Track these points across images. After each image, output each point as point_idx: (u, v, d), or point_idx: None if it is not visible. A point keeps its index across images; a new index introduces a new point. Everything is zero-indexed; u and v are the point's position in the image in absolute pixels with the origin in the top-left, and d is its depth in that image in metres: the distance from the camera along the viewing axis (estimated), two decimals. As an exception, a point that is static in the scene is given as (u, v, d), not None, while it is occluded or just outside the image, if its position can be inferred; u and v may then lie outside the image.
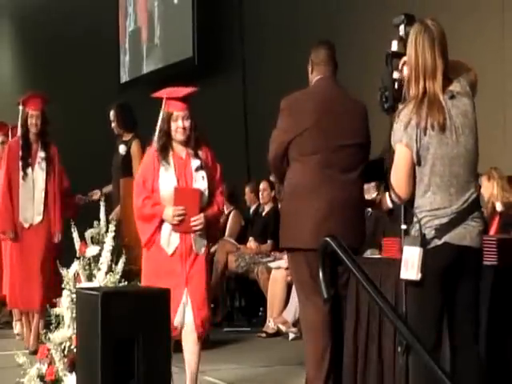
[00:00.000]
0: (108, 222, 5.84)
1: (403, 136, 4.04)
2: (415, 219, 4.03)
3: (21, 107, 7.86)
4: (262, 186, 9.68)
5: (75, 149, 14.74)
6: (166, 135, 5.48)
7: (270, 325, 8.53)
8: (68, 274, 5.49)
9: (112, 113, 8.38)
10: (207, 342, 7.69)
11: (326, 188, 5.28)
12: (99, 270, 5.33)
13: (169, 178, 5.44)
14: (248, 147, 11.94)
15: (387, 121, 4.30)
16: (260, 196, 9.87)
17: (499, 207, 7.33)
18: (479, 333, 4.28)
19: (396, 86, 4.16)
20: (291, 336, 8.26)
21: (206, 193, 5.51)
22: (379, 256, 5.65)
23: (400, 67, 4.18)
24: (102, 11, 15.64)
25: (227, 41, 12.85)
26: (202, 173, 5.49)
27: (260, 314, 9.62)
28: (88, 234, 5.90)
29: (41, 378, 5.12)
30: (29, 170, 7.73)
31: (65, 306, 5.17)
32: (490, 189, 7.36)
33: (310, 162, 5.31)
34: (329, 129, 5.35)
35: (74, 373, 4.88)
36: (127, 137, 8.23)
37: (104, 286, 5.13)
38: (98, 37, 15.44)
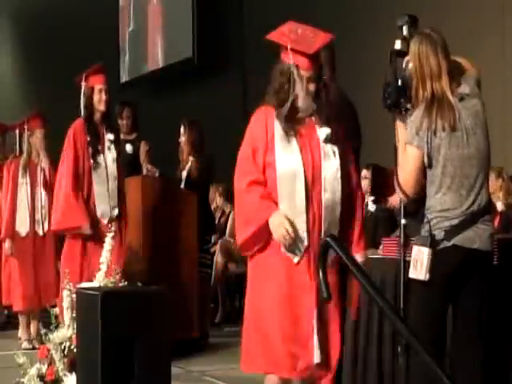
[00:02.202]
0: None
1: (414, 139, 4.06)
2: (425, 219, 4.05)
3: (83, 84, 6.94)
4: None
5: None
6: (288, 95, 4.10)
7: (270, 325, 8.53)
8: (68, 274, 5.49)
9: (127, 109, 8.40)
10: (207, 342, 7.73)
11: None
12: (99, 270, 5.33)
13: (290, 151, 4.09)
14: (248, 147, 11.93)
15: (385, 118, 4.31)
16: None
17: (500, 207, 7.33)
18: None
19: (400, 83, 4.17)
20: (291, 336, 8.25)
21: (338, 175, 4.13)
22: (379, 256, 5.64)
23: (404, 66, 4.19)
24: (102, 11, 15.65)
25: (227, 41, 12.85)
26: (334, 147, 4.15)
27: (260, 314, 9.61)
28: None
29: (41, 377, 5.11)
30: (100, 158, 6.68)
31: (65, 306, 5.17)
32: (495, 187, 7.35)
33: None
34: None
35: (73, 373, 4.88)
36: (131, 136, 8.26)
37: (104, 286, 5.13)
38: (98, 37, 15.44)
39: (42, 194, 8.13)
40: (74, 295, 4.86)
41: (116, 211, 6.64)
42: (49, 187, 8.10)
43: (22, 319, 8.28)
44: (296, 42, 4.07)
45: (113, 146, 6.69)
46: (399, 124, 4.18)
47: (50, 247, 8.15)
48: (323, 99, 4.13)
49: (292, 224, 3.95)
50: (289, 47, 4.07)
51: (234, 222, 10.18)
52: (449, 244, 4.02)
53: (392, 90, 4.17)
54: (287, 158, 4.06)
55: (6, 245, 8.14)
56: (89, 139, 6.62)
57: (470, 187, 4.07)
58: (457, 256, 4.02)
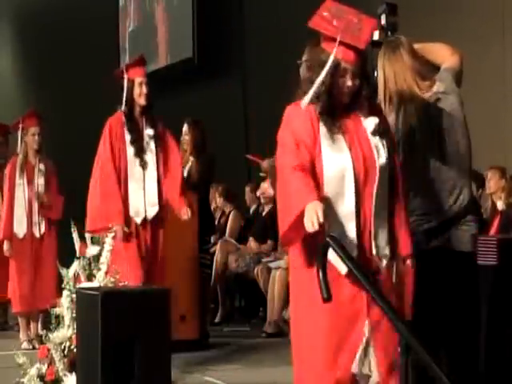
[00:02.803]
0: (108, 221, 5.83)
1: None
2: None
3: (125, 77, 6.52)
4: (263, 185, 9.68)
5: (75, 148, 14.75)
6: (330, 90, 3.65)
7: (270, 325, 8.53)
8: (68, 273, 5.49)
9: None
10: (207, 342, 7.74)
11: None
12: (99, 269, 5.32)
13: (337, 149, 3.61)
14: (248, 147, 11.93)
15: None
16: (260, 196, 9.87)
17: (501, 206, 7.33)
18: (479, 334, 4.28)
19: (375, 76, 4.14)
20: (291, 336, 8.25)
21: (387, 170, 3.67)
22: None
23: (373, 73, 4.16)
24: (102, 11, 15.65)
25: (227, 41, 12.85)
26: (382, 140, 3.68)
27: (260, 313, 9.62)
28: (88, 234, 5.90)
29: (41, 378, 5.11)
30: (140, 154, 6.38)
31: (65, 306, 5.17)
32: (497, 186, 7.35)
33: None
34: None
35: (73, 373, 4.88)
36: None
37: (104, 286, 5.13)
38: (98, 37, 15.45)
39: (39, 194, 8.09)
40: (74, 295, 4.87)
41: (153, 211, 6.38)
42: (49, 188, 8.10)
43: (21, 320, 8.28)
44: (343, 32, 3.58)
45: (152, 142, 6.43)
46: None
47: (48, 249, 8.12)
48: (366, 93, 3.68)
49: (326, 212, 3.38)
50: (338, 39, 3.56)
51: (233, 221, 10.19)
52: (429, 246, 4.00)
53: (370, 83, 4.13)
54: (335, 156, 3.58)
55: (5, 247, 8.11)
56: (130, 136, 6.35)
57: (451, 188, 4.04)
58: (437, 258, 3.99)
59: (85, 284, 5.27)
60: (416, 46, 4.16)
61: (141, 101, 6.42)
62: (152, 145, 6.41)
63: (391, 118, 4.00)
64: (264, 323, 8.71)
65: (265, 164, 5.65)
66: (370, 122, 3.66)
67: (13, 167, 8.12)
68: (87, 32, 15.74)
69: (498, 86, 8.23)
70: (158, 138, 6.46)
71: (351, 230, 3.55)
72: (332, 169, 3.55)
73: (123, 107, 6.43)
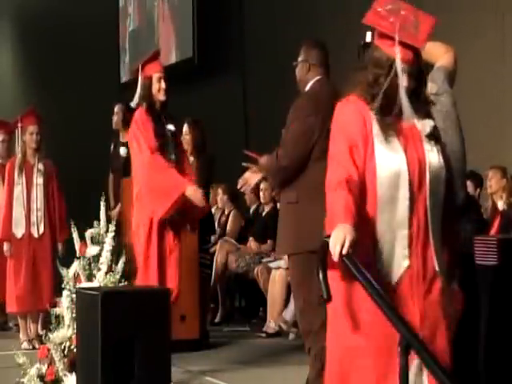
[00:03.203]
0: (108, 221, 5.84)
1: None
2: None
3: (140, 72, 6.48)
4: (263, 185, 9.67)
5: (75, 148, 14.76)
6: (385, 91, 3.44)
7: (270, 325, 8.53)
8: (68, 273, 5.49)
9: (118, 107, 8.40)
10: (207, 342, 7.74)
11: None
12: (99, 269, 5.33)
13: (391, 150, 3.42)
14: (248, 147, 11.92)
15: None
16: (260, 196, 9.87)
17: (501, 206, 7.32)
18: (479, 334, 4.28)
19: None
20: (291, 336, 8.26)
21: (443, 178, 3.48)
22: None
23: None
24: (102, 11, 15.65)
25: (227, 41, 12.85)
26: (437, 145, 3.49)
27: (260, 313, 9.62)
28: (88, 234, 5.91)
29: (41, 378, 5.12)
30: (165, 149, 6.32)
31: (65, 306, 5.17)
32: (498, 186, 7.34)
33: None
34: None
35: (73, 373, 4.88)
36: (126, 138, 8.24)
37: (104, 286, 5.13)
38: (98, 37, 15.45)
39: (37, 195, 8.06)
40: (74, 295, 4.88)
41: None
42: (49, 188, 8.09)
43: (21, 320, 8.28)
44: (401, 30, 3.38)
45: (172, 137, 6.37)
46: None
47: (45, 249, 8.10)
48: (422, 95, 3.51)
49: (354, 242, 3.15)
50: (397, 38, 3.37)
51: (233, 222, 10.19)
52: None
53: None
54: (389, 157, 3.38)
55: (4, 247, 8.09)
56: (158, 134, 6.23)
57: None
58: None
59: (85, 284, 5.27)
60: None
61: (160, 97, 6.37)
62: (172, 140, 6.38)
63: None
64: (264, 323, 8.71)
65: (262, 160, 5.62)
66: (426, 125, 3.48)
67: (11, 167, 8.09)
68: (87, 32, 15.75)
69: (496, 85, 8.23)
70: (176, 135, 6.45)
71: (403, 239, 3.38)
72: (385, 171, 3.37)
73: (144, 105, 6.34)
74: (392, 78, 3.39)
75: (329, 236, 3.18)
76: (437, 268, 3.39)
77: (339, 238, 3.13)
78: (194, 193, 6.19)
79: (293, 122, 5.38)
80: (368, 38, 4.14)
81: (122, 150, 8.15)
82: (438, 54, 4.12)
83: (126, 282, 5.28)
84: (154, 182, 6.19)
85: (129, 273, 5.53)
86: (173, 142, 6.36)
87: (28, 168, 8.06)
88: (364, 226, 3.31)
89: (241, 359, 7.19)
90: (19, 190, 8.03)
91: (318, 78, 5.48)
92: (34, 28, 18.27)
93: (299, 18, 11.00)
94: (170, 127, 6.36)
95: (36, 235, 8.08)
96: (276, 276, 8.78)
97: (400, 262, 3.37)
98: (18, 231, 8.07)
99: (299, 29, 10.74)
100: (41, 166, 8.07)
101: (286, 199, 5.40)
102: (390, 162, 3.37)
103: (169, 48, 13.75)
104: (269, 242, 9.43)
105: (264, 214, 9.77)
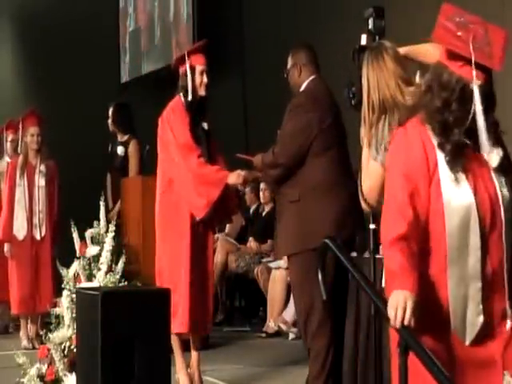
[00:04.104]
0: (108, 222, 5.86)
1: (378, 154, 3.99)
2: None
3: (186, 63, 6.06)
4: (263, 185, 9.68)
5: (75, 148, 14.76)
6: (459, 118, 2.99)
7: (270, 325, 8.54)
8: (68, 274, 5.50)
9: (111, 110, 8.43)
10: (207, 342, 7.74)
11: (348, 181, 5.27)
12: (99, 269, 5.34)
13: (459, 190, 2.96)
14: (248, 147, 11.94)
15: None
16: (260, 196, 9.88)
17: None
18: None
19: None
20: (291, 336, 8.26)
21: None
22: (379, 256, 5.64)
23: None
24: (102, 11, 15.66)
25: (227, 41, 12.85)
26: (506, 177, 3.05)
27: (260, 313, 9.62)
28: (88, 234, 5.92)
29: (41, 378, 5.12)
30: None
31: (65, 306, 5.18)
32: None
33: (333, 155, 5.32)
34: (340, 123, 5.44)
35: (73, 373, 4.88)
36: (123, 138, 8.25)
37: (104, 286, 5.13)
38: (98, 37, 15.45)
39: (39, 197, 8.06)
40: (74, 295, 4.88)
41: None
42: (49, 189, 8.09)
43: (22, 320, 8.29)
44: (475, 49, 2.95)
45: (205, 137, 6.01)
46: (363, 130, 4.05)
47: (47, 251, 8.11)
48: (492, 120, 3.04)
49: (415, 308, 2.84)
50: (473, 60, 2.94)
51: (233, 222, 10.19)
52: None
53: (357, 89, 4.11)
54: (457, 198, 2.93)
55: (5, 248, 8.09)
56: (192, 131, 5.85)
57: None
58: None
59: (85, 284, 5.28)
60: (402, 50, 4.10)
61: (201, 91, 6.01)
62: (204, 140, 5.99)
63: (381, 126, 3.98)
64: (264, 323, 8.71)
65: (256, 160, 5.61)
66: (495, 156, 3.00)
67: (13, 168, 8.08)
68: (87, 32, 15.74)
69: (497, 82, 8.22)
70: (210, 133, 6.09)
71: (476, 296, 2.95)
72: (454, 216, 2.93)
73: (189, 97, 5.93)
74: (463, 102, 2.96)
75: (328, 237, 3.19)
76: (508, 311, 3.01)
77: (400, 306, 2.81)
78: (236, 178, 5.89)
79: (291, 120, 5.39)
80: (363, 41, 4.15)
81: (120, 150, 8.15)
82: (434, 55, 4.08)
83: (125, 282, 5.29)
84: (197, 179, 5.78)
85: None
86: (205, 142, 5.99)
87: (30, 169, 8.06)
88: (432, 283, 2.95)
89: (241, 359, 7.20)
90: (21, 192, 8.02)
91: (312, 77, 5.49)
92: (34, 28, 18.25)
93: (299, 18, 11.00)
94: (204, 126, 6.03)
95: (38, 237, 8.08)
96: (276, 276, 8.79)
97: (473, 320, 2.97)
98: (20, 233, 8.06)
99: (299, 29, 10.75)
100: (43, 168, 8.08)
101: (288, 198, 5.39)
102: (458, 205, 2.94)
103: (169, 48, 13.75)
104: (269, 241, 9.44)
105: (264, 213, 9.78)
